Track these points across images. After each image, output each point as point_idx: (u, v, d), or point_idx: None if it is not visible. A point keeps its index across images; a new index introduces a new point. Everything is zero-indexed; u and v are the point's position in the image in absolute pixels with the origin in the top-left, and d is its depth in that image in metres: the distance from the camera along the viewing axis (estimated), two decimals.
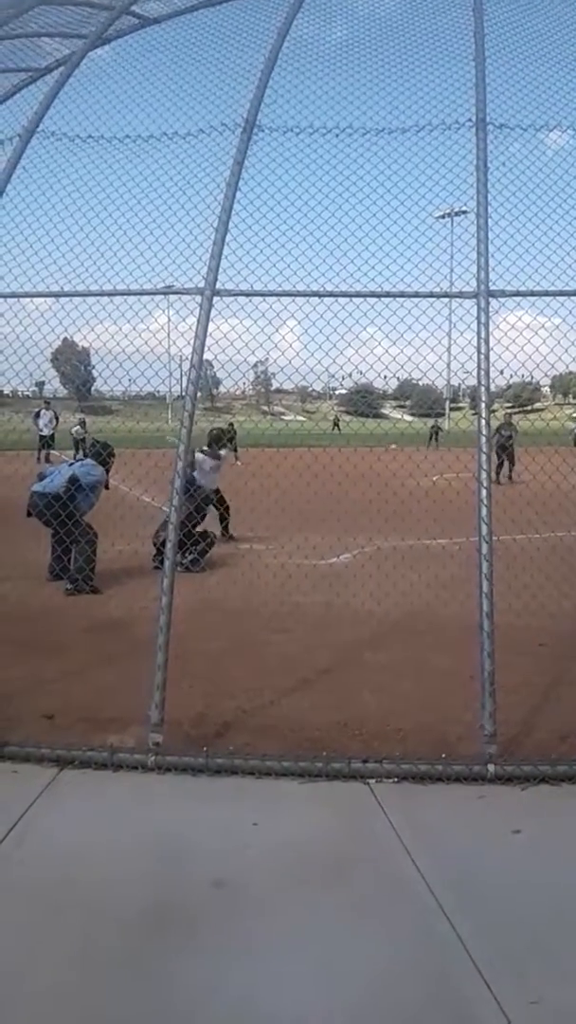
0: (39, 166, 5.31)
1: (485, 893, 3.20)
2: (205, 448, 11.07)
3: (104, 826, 3.71)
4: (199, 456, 10.75)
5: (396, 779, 4.11)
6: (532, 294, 4.81)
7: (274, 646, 6.19)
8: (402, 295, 4.76)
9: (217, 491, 11.26)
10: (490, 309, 4.61)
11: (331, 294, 4.77)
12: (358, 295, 4.78)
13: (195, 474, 10.39)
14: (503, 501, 4.80)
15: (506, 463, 19.15)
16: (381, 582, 6.63)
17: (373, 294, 4.77)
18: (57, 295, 4.91)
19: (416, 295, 4.77)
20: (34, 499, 8.27)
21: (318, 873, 3.33)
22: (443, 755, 4.23)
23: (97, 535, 8.33)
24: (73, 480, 8.13)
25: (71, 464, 8.84)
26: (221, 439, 11.44)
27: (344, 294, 4.78)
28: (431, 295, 4.79)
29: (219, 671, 5.50)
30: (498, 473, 18.38)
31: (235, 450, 18.19)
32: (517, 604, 5.96)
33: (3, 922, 3.04)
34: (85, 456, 9.03)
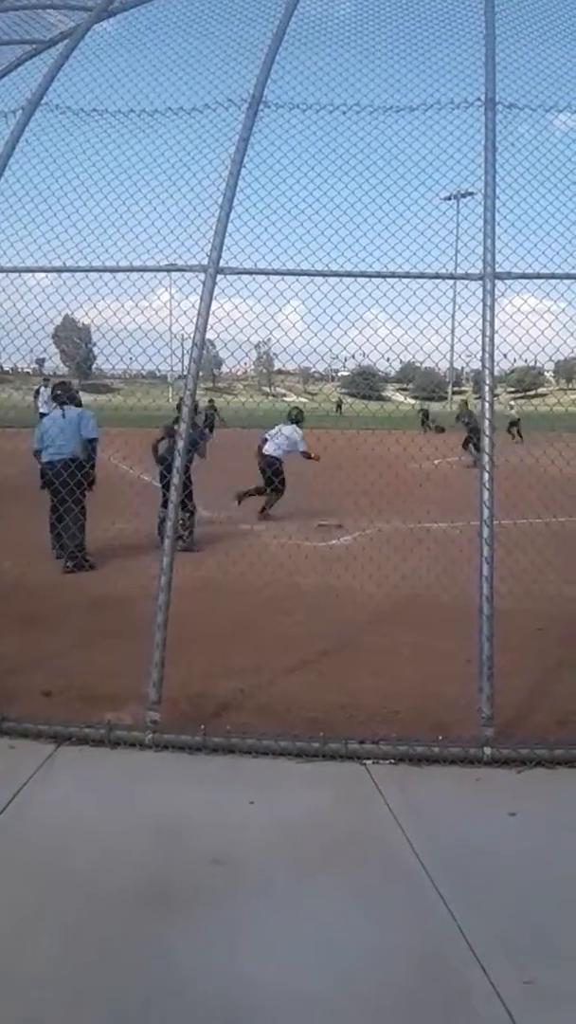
0: (43, 139, 5.26)
1: (480, 874, 3.21)
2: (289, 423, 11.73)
3: (100, 803, 3.72)
4: (287, 428, 11.56)
5: (393, 760, 4.12)
6: (539, 276, 4.77)
7: (273, 627, 6.20)
8: (407, 276, 4.71)
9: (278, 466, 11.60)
10: (496, 292, 4.58)
11: (335, 274, 4.73)
12: (362, 275, 4.73)
13: (272, 444, 11.39)
14: (505, 485, 4.78)
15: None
16: (382, 564, 6.62)
17: (378, 274, 4.72)
18: (59, 270, 4.86)
19: (421, 276, 4.72)
20: (56, 467, 8.12)
21: (314, 852, 3.35)
22: (440, 737, 4.24)
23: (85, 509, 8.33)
24: (89, 442, 8.17)
25: (55, 416, 8.61)
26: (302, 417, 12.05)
27: (348, 274, 4.74)
28: (436, 276, 4.74)
29: (218, 651, 5.50)
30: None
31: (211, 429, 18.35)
32: (518, 588, 5.96)
33: None
34: None
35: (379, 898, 3.08)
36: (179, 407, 8.59)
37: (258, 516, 11.21)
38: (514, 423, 24.99)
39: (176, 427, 9.07)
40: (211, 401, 21.27)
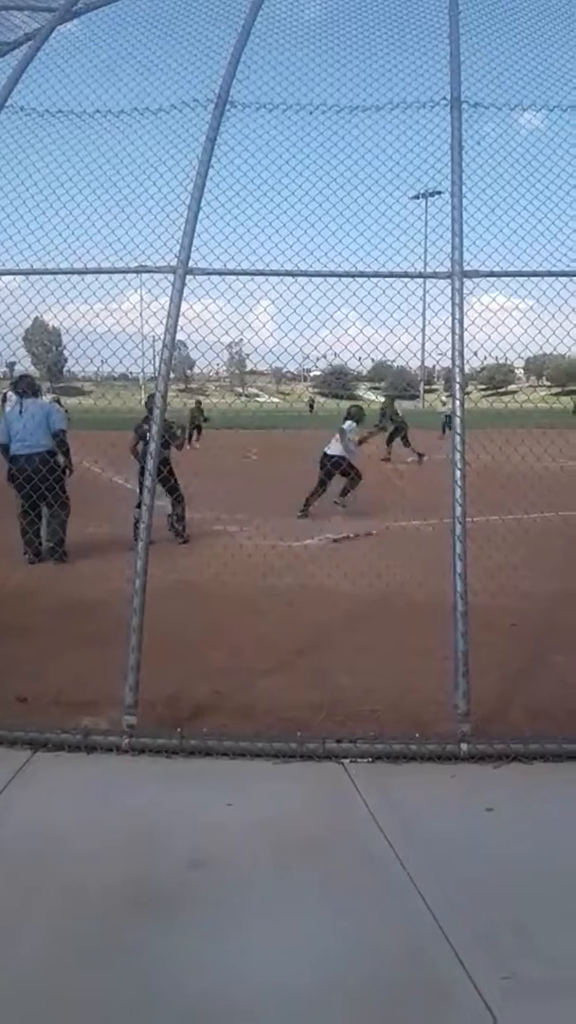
0: (8, 141, 5.20)
1: (458, 870, 3.23)
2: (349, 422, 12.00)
3: (78, 808, 3.70)
4: (345, 425, 11.85)
5: (370, 759, 4.13)
6: (507, 274, 4.80)
7: (249, 628, 6.19)
8: (375, 275, 4.72)
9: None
10: (464, 290, 4.60)
11: (304, 273, 4.73)
12: (331, 275, 4.74)
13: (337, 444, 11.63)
14: (477, 483, 4.81)
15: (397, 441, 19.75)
16: (356, 563, 6.63)
17: (347, 274, 4.74)
18: (26, 273, 4.82)
19: (390, 275, 4.74)
20: (21, 463, 8.10)
21: (293, 853, 3.35)
22: (417, 734, 4.26)
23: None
24: (56, 435, 8.13)
25: (21, 409, 8.52)
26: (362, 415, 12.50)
27: (317, 274, 4.74)
28: (405, 275, 4.75)
29: (194, 653, 5.49)
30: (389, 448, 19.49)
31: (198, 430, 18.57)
32: (491, 585, 6.00)
33: None
34: None
35: (358, 896, 3.09)
36: (148, 406, 8.65)
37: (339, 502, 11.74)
38: (448, 420, 25.39)
39: (146, 427, 9.16)
40: (198, 402, 21.34)
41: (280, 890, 3.12)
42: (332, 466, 11.66)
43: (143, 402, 8.35)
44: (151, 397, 9.55)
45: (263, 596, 7.01)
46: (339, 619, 6.44)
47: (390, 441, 19.29)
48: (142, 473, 8.64)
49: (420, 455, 18.98)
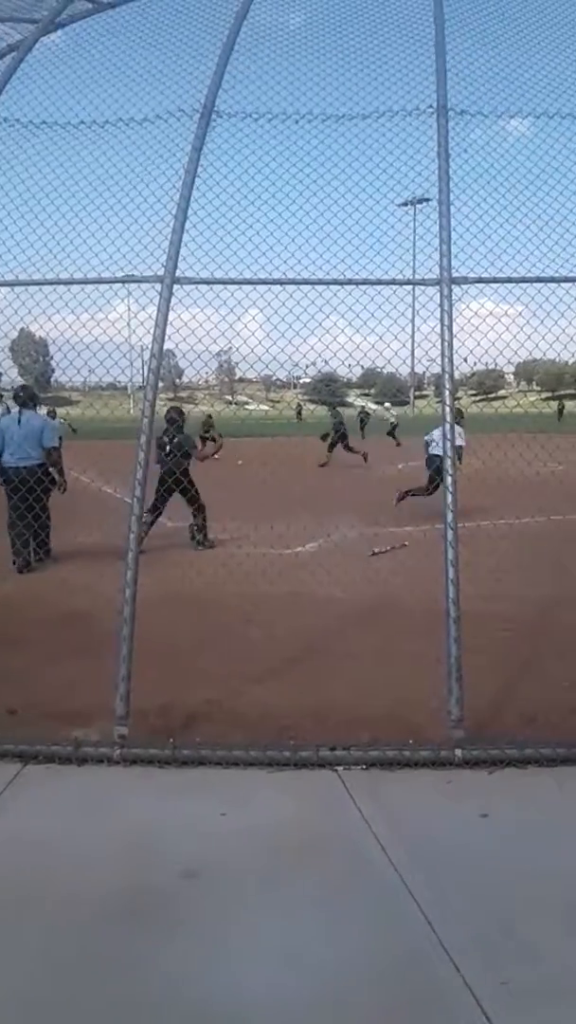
0: None
1: (453, 877, 3.22)
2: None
3: (69, 820, 3.67)
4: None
5: (364, 766, 4.11)
6: (495, 280, 4.82)
7: (241, 636, 6.17)
8: (363, 282, 4.74)
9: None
10: (453, 296, 4.62)
11: (292, 281, 4.73)
12: (319, 283, 4.74)
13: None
14: (468, 488, 4.82)
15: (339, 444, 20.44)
16: (348, 569, 6.63)
17: (335, 281, 4.74)
18: (12, 284, 4.81)
19: (378, 283, 4.75)
20: (11, 474, 8.24)
21: (288, 861, 3.33)
22: (411, 740, 4.24)
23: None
24: (48, 451, 8.19)
25: (20, 419, 8.60)
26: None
27: (306, 282, 4.74)
28: (393, 282, 4.77)
29: (185, 662, 5.46)
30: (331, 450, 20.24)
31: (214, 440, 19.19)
32: (484, 590, 6.00)
33: None
34: None
35: (353, 903, 3.07)
36: (167, 417, 8.71)
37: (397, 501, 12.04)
38: (393, 427, 26.21)
39: (165, 438, 9.25)
40: (208, 417, 21.91)
41: (275, 899, 3.10)
42: (428, 464, 11.88)
43: (134, 412, 8.37)
44: (172, 408, 9.70)
45: (255, 604, 6.98)
46: (332, 626, 6.43)
47: (331, 447, 19.89)
48: (161, 482, 8.78)
49: (364, 455, 19.54)
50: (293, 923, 2.96)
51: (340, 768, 4.09)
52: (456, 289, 4.62)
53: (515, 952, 2.76)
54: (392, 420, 26.90)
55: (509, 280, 4.82)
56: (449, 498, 4.43)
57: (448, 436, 4.54)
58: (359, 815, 3.67)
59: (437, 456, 12.09)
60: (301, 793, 3.91)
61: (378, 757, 4.14)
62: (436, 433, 12.26)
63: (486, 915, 2.97)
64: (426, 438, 12.28)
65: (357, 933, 2.90)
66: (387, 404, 28.00)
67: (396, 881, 3.18)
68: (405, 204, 5.31)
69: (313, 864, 3.32)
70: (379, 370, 5.72)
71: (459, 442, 12.24)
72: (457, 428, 12.17)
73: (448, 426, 4.52)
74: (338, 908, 3.04)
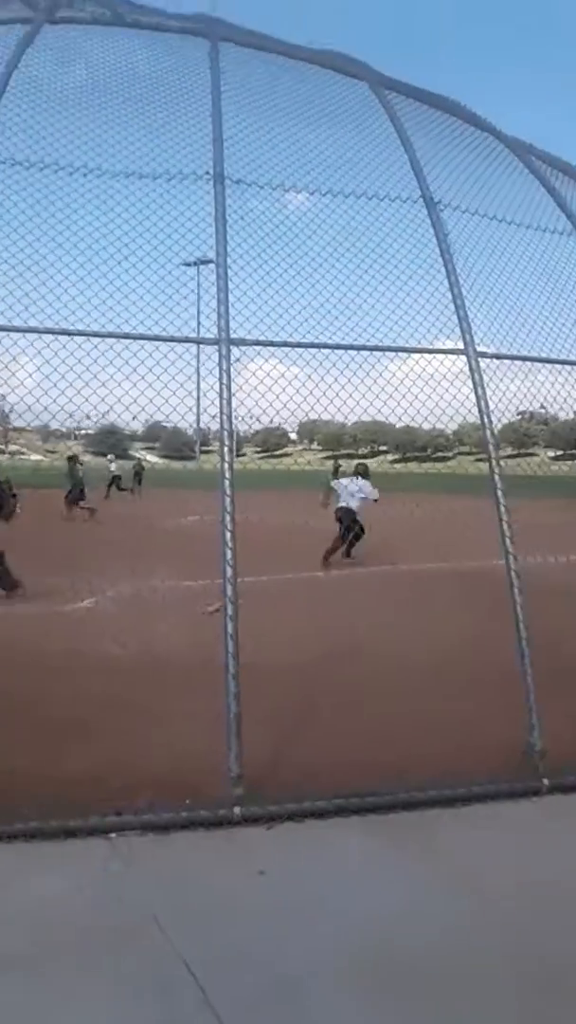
0: None
1: (227, 938, 3.17)
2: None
3: None
4: (344, 481, 13.44)
5: (139, 831, 3.97)
6: (272, 344, 5.04)
7: (17, 699, 5.81)
8: (142, 337, 4.77)
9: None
10: (231, 356, 4.75)
11: (66, 332, 4.68)
12: (95, 335, 4.72)
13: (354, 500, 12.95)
14: (249, 542, 4.88)
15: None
16: (127, 626, 6.49)
17: (111, 334, 4.73)
18: None
19: (157, 339, 4.81)
20: None
21: (56, 941, 3.13)
22: (188, 801, 4.16)
23: None
24: None
25: None
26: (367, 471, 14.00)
27: (80, 333, 4.70)
28: (172, 339, 4.85)
29: None
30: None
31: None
32: (263, 642, 6.05)
33: None
34: None
35: (119, 975, 2.94)
36: None
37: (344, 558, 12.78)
38: (115, 479, 27.68)
39: None
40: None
41: (38, 981, 2.90)
42: (344, 516, 12.78)
43: None
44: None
45: (33, 665, 6.61)
46: (113, 684, 6.21)
47: (73, 502, 20.26)
48: None
49: (92, 510, 20.11)
50: (57, 1004, 2.79)
51: (113, 835, 3.93)
52: (235, 349, 4.76)
53: (290, 1013, 2.75)
54: (115, 471, 27.96)
55: (285, 344, 5.04)
56: (228, 553, 4.49)
57: (228, 492, 4.59)
58: (131, 883, 3.54)
59: (341, 508, 12.97)
60: (71, 865, 3.70)
61: (152, 821, 4.02)
62: (343, 483, 13.41)
63: (261, 976, 2.94)
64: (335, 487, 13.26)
65: (122, 1005, 2.79)
66: (110, 456, 28.75)
67: (167, 948, 3.08)
68: (188, 264, 5.42)
69: (82, 941, 3.14)
70: (165, 424, 5.73)
71: (375, 496, 13.13)
72: (366, 483, 13.17)
73: (227, 483, 4.58)
74: (106, 985, 2.90)
